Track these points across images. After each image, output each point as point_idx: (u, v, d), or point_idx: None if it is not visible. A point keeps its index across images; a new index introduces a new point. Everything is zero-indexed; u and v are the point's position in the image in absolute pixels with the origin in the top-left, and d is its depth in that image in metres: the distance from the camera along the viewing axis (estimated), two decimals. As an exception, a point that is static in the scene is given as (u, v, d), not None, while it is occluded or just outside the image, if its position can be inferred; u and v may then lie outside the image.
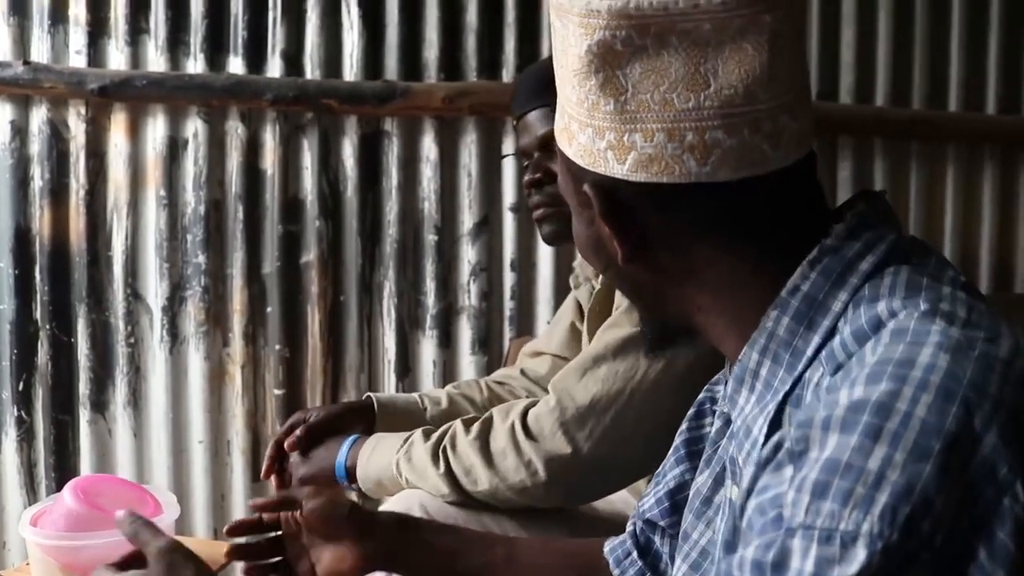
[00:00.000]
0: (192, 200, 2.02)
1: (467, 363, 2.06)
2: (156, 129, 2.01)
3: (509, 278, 2.05)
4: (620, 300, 1.27)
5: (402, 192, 2.03)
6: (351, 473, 1.32)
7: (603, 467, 1.20)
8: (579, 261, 1.52)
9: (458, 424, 1.26)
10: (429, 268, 2.05)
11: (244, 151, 2.01)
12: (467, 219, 2.04)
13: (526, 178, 1.40)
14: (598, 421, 1.17)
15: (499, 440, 1.19)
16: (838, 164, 2.07)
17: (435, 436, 1.26)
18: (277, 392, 2.07)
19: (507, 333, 2.06)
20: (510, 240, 2.04)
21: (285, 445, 1.40)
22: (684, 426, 0.92)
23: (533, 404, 1.23)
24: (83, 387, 2.05)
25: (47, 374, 2.04)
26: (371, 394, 1.53)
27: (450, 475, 1.21)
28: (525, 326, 2.07)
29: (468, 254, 2.04)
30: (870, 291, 0.65)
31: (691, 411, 0.92)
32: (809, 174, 0.70)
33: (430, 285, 2.05)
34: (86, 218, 2.01)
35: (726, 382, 0.74)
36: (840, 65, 2.15)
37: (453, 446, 1.23)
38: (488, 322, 2.06)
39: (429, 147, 2.02)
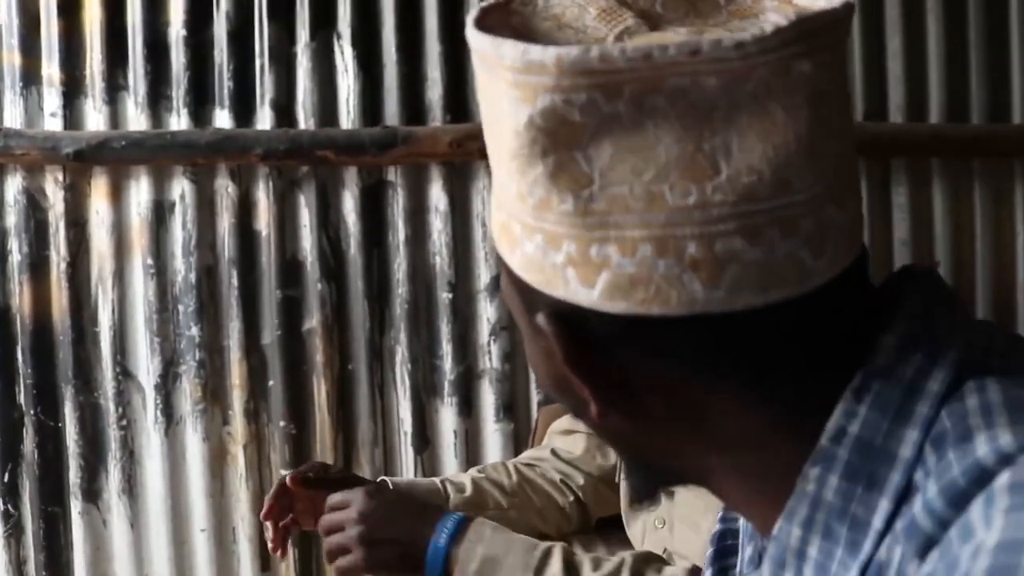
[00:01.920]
0: (182, 267, 1.85)
1: (492, 431, 1.87)
2: (140, 192, 1.85)
3: (532, 336, 1.85)
4: None
5: (411, 247, 1.85)
6: (448, 560, 1.01)
7: None
8: None
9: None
10: (444, 329, 1.86)
11: (236, 211, 1.84)
12: (483, 273, 1.85)
13: None
14: None
15: None
16: (892, 190, 1.85)
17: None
18: (284, 472, 1.88)
19: (534, 396, 1.87)
20: (531, 294, 1.84)
21: (288, 479, 1.20)
22: (710, 571, 0.71)
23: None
24: (73, 475, 1.88)
25: (34, 463, 1.88)
26: (386, 478, 1.35)
27: None
28: (552, 388, 1.87)
29: (487, 311, 1.86)
30: (953, 423, 0.45)
31: (712, 551, 0.69)
32: (859, 281, 0.49)
33: (446, 348, 1.86)
34: (69, 292, 1.85)
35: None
36: (888, 79, 1.94)
37: None
38: (513, 386, 1.87)
39: (438, 196, 1.84)
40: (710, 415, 0.49)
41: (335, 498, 1.07)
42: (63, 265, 1.84)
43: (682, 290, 0.45)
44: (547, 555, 1.03)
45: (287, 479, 1.21)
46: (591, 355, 0.49)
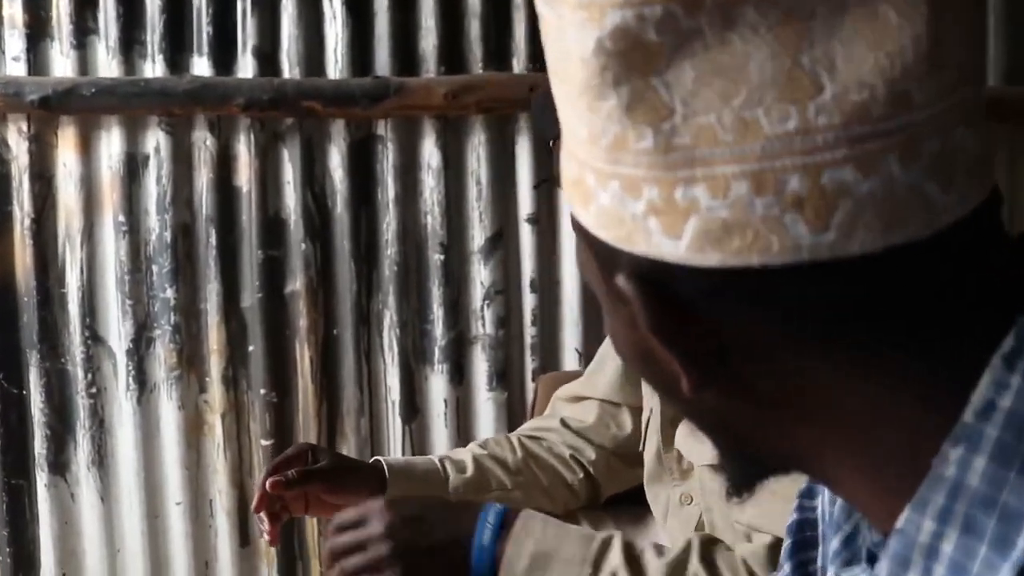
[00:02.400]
0: (156, 225, 1.73)
1: (484, 400, 1.78)
2: (111, 144, 1.72)
3: (529, 300, 1.76)
4: None
5: (401, 206, 1.74)
6: (497, 560, 0.91)
7: None
8: None
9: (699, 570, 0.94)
10: (436, 293, 1.76)
11: (215, 166, 1.73)
12: (478, 234, 1.75)
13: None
14: None
15: None
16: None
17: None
18: (265, 443, 1.78)
19: (528, 364, 1.77)
20: (529, 257, 1.75)
21: (267, 484, 1.11)
22: (788, 566, 0.63)
23: None
24: (39, 446, 1.77)
25: (-3, 433, 1.76)
26: (380, 458, 1.25)
27: None
28: (549, 355, 1.78)
29: (480, 274, 1.76)
30: None
31: (790, 543, 0.62)
32: (993, 224, 0.41)
33: (437, 312, 1.76)
34: (34, 251, 1.73)
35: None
36: None
37: None
38: (507, 353, 1.77)
39: (430, 152, 1.73)
40: (823, 386, 0.41)
41: (345, 517, 0.94)
42: (27, 222, 1.72)
43: (784, 234, 0.38)
44: (605, 546, 0.94)
45: (267, 485, 1.11)
46: (681, 319, 0.41)
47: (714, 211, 0.38)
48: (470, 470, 1.28)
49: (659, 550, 0.94)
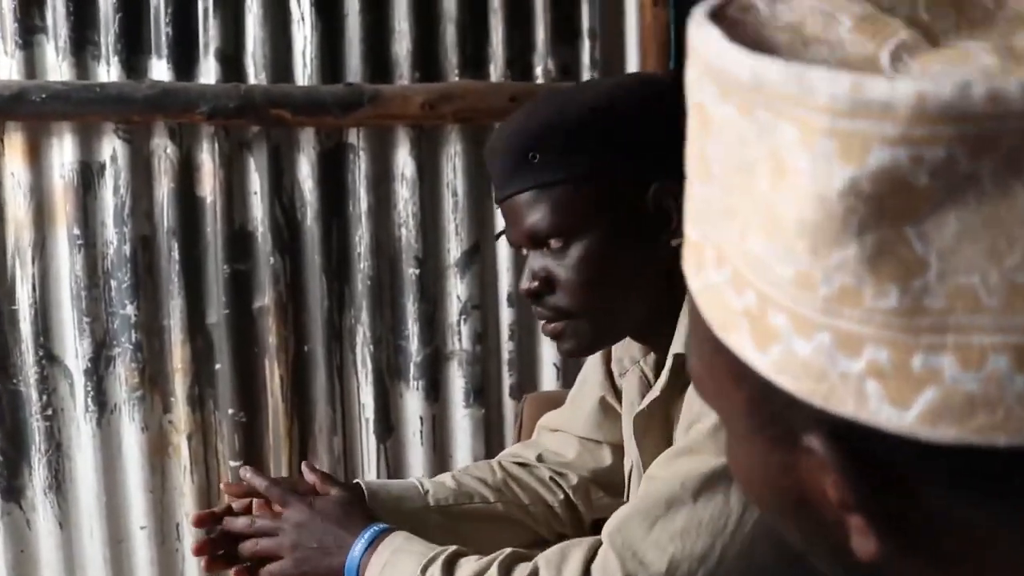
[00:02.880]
0: (114, 238, 1.64)
1: (461, 417, 1.74)
2: (63, 153, 1.62)
3: (507, 315, 1.72)
4: (694, 408, 0.96)
5: (374, 218, 1.67)
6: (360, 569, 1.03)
7: None
8: (623, 346, 1.19)
9: (493, 572, 0.95)
10: (410, 308, 1.70)
11: (176, 175, 1.64)
12: (454, 247, 1.70)
13: (521, 286, 1.07)
14: None
15: None
16: None
17: None
18: (233, 464, 1.72)
19: (507, 379, 1.74)
20: (505, 270, 1.70)
21: (234, 505, 1.13)
22: None
23: (591, 556, 0.93)
24: (-9, 472, 1.68)
25: (-55, 459, 1.67)
26: (359, 480, 1.22)
27: None
28: (528, 371, 1.75)
29: (456, 289, 1.71)
30: None
31: None
32: None
33: (412, 328, 1.71)
34: (-19, 266, 1.62)
35: None
36: None
37: None
38: (484, 368, 1.73)
39: (405, 162, 1.67)
40: (1010, 549, 0.38)
41: (273, 496, 1.08)
42: (-27, 235, 1.62)
43: None
44: (435, 556, 1.00)
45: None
46: (880, 485, 0.37)
47: (961, 384, 0.33)
48: (450, 483, 1.25)
49: (477, 560, 0.98)
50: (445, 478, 1.30)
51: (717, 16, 0.40)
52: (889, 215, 0.33)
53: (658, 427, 1.09)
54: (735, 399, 0.42)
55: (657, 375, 1.15)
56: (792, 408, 0.37)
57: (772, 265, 0.36)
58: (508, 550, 1.00)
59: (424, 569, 0.99)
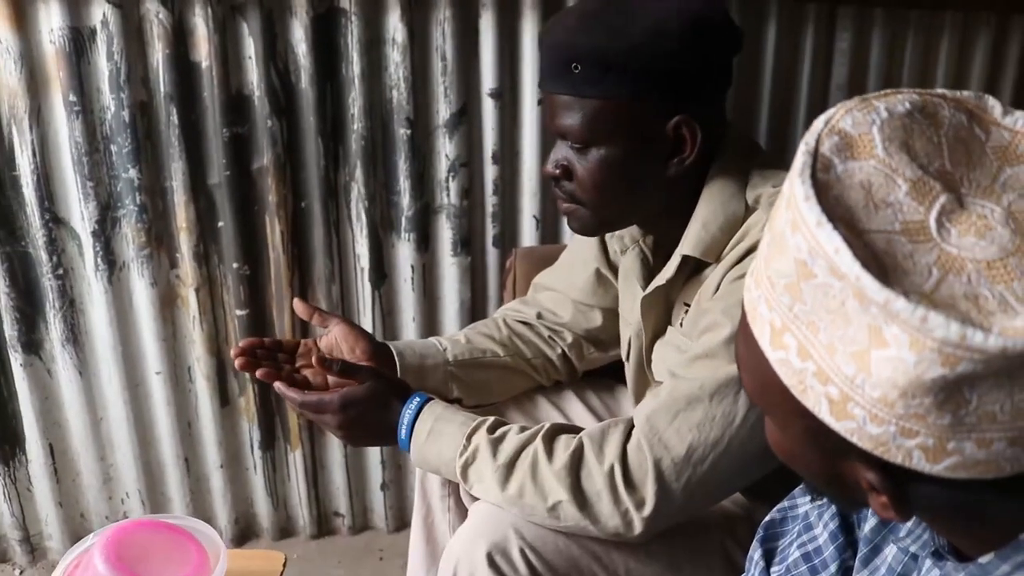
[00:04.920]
0: (111, 104, 1.66)
1: (448, 265, 1.90)
2: (50, 18, 1.60)
3: (491, 172, 1.84)
4: (710, 316, 1.15)
5: (366, 81, 1.73)
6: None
7: (695, 509, 1.15)
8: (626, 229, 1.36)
9: (539, 447, 1.14)
10: (402, 165, 1.80)
11: (170, 41, 1.64)
12: (443, 109, 1.78)
13: (545, 168, 1.23)
14: (695, 471, 1.10)
15: (596, 482, 1.10)
16: (836, 35, 1.89)
17: (505, 454, 1.15)
18: (240, 312, 1.85)
19: (490, 231, 1.88)
20: (491, 130, 1.81)
21: (317, 360, 1.23)
22: (757, 554, 0.92)
23: (627, 438, 1.13)
24: (8, 328, 1.77)
25: (-38, 318, 1.74)
26: (389, 343, 1.39)
27: (525, 501, 1.13)
28: (510, 223, 1.90)
29: (445, 148, 1.81)
30: None
31: (761, 535, 0.92)
32: None
33: (404, 184, 1.82)
34: (-22, 134, 1.63)
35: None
36: None
37: (534, 476, 1.13)
38: (470, 221, 1.87)
39: (395, 27, 1.71)
40: (976, 510, 0.63)
41: (308, 403, 1.21)
42: (-34, 103, 1.61)
43: (1015, 463, 0.56)
44: (479, 424, 1.18)
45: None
46: (903, 483, 0.60)
47: (974, 456, 0.56)
48: (463, 340, 1.45)
49: (520, 429, 1.17)
50: (459, 336, 1.48)
51: (813, 179, 0.56)
52: (957, 384, 0.53)
53: (660, 306, 1.29)
54: (793, 423, 0.63)
55: (656, 255, 1.33)
56: (847, 443, 0.59)
57: (860, 384, 0.56)
58: (549, 423, 1.19)
59: (469, 435, 1.18)
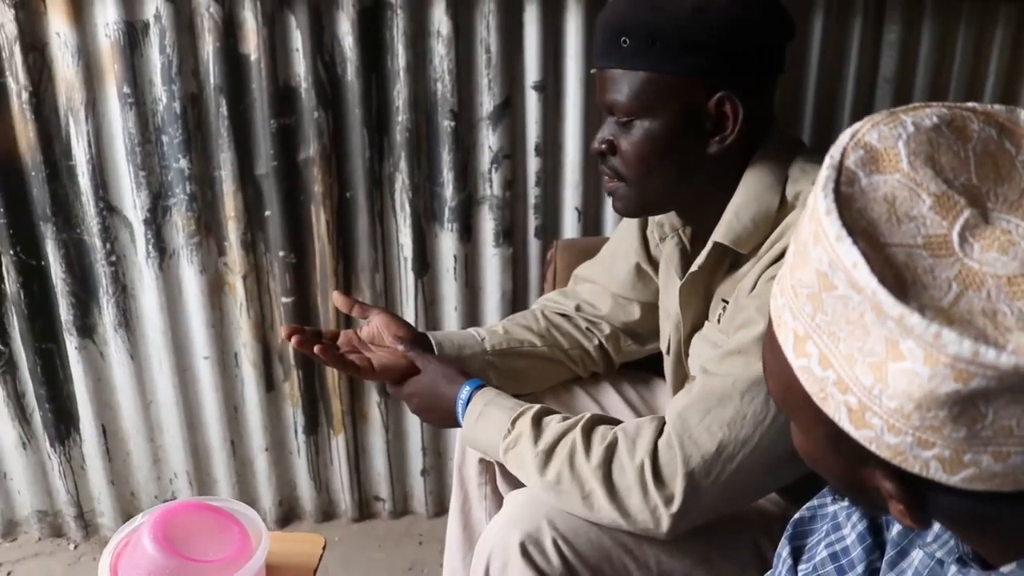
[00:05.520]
0: (163, 96, 1.70)
1: (490, 256, 1.91)
2: (106, 12, 1.64)
3: (534, 164, 1.85)
4: (745, 312, 1.15)
5: (411, 73, 1.75)
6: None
7: (725, 508, 1.16)
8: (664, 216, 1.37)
9: (577, 437, 1.17)
10: (446, 157, 1.82)
11: (220, 34, 1.68)
12: (486, 101, 1.80)
13: (592, 145, 1.25)
14: (724, 469, 1.10)
15: (627, 476, 1.12)
16: (885, 27, 1.86)
17: (545, 441, 1.18)
18: (285, 300, 1.89)
19: (532, 222, 1.90)
20: (534, 122, 1.82)
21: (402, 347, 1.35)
22: (786, 551, 0.92)
23: (659, 434, 1.15)
24: (64, 312, 1.83)
25: (20, 302, 1.80)
26: (428, 332, 1.42)
27: (561, 489, 1.15)
28: (552, 214, 1.91)
29: (489, 140, 1.82)
30: None
31: (790, 533, 0.92)
32: None
33: (447, 175, 1.84)
34: (35, 125, 1.69)
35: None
36: None
37: (571, 465, 1.15)
38: (512, 212, 1.89)
39: (440, 20, 1.73)
40: (994, 521, 0.63)
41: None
42: (25, 95, 1.66)
43: None
44: (524, 411, 1.22)
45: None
46: (920, 493, 0.61)
47: (990, 468, 0.56)
48: (502, 331, 1.47)
49: (563, 419, 1.21)
50: (497, 327, 1.50)
51: (836, 195, 0.57)
52: (972, 400, 0.53)
53: (699, 295, 1.29)
54: (814, 428, 0.64)
55: (694, 245, 1.34)
56: (867, 451, 0.60)
57: (878, 395, 0.57)
58: (590, 414, 1.21)
59: (514, 420, 1.22)
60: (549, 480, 1.16)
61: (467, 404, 1.27)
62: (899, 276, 0.54)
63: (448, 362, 1.34)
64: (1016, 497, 0.57)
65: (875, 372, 0.55)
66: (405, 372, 1.33)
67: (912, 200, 0.56)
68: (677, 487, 1.10)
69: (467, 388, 1.28)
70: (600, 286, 1.52)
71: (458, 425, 1.29)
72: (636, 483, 1.11)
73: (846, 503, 0.89)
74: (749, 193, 1.18)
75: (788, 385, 0.63)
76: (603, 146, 1.23)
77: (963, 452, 0.56)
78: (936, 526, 0.77)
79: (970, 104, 0.62)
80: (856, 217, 0.56)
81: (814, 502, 0.95)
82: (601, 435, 1.16)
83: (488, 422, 1.24)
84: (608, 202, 1.91)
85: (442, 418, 1.32)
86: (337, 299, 1.39)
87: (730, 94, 1.15)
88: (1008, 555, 0.66)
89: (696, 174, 1.22)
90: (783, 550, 0.96)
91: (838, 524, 0.91)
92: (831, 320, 0.57)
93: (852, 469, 0.64)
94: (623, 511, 1.12)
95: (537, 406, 1.24)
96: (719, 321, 1.25)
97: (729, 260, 1.24)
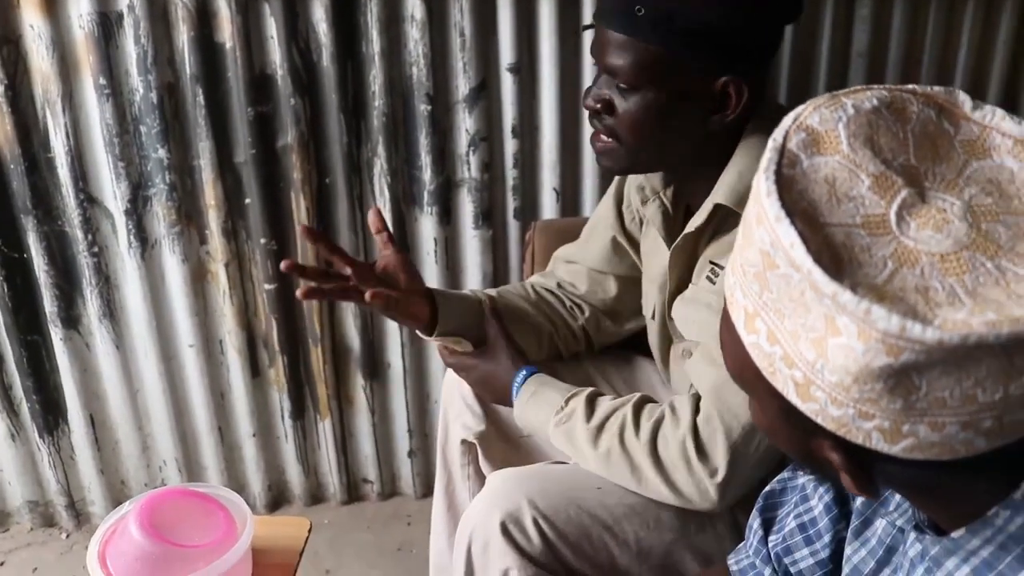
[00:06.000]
0: (140, 86, 1.71)
1: (470, 238, 1.93)
2: (79, 4, 1.64)
3: (511, 145, 1.86)
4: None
5: (386, 58, 1.76)
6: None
7: (762, 475, 1.19)
8: (646, 176, 1.38)
9: (628, 414, 1.21)
10: (423, 141, 1.83)
11: (195, 23, 1.68)
12: (462, 84, 1.81)
13: (586, 101, 1.24)
14: (763, 437, 1.14)
15: (671, 451, 1.17)
16: (856, 2, 1.87)
17: (597, 417, 1.23)
18: (268, 287, 1.91)
19: (511, 204, 1.91)
20: (510, 104, 1.83)
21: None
22: (756, 522, 0.97)
23: (696, 410, 1.18)
24: (48, 304, 1.84)
25: (4, 295, 1.82)
26: (431, 288, 1.42)
27: (612, 463, 1.21)
28: (530, 196, 1.92)
29: (466, 123, 1.83)
30: None
31: (761, 504, 0.97)
32: None
33: (425, 159, 1.85)
34: (12, 117, 1.69)
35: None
36: None
37: (622, 441, 1.20)
38: (491, 194, 1.90)
39: (414, 4, 1.73)
40: (940, 488, 0.67)
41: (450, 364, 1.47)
42: (1, 88, 1.66)
43: (969, 447, 0.59)
44: (577, 393, 1.28)
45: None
46: (864, 463, 0.64)
47: (928, 438, 0.59)
48: (496, 296, 1.49)
49: (614, 397, 1.27)
50: (491, 291, 1.51)
51: (777, 176, 0.59)
52: (905, 372, 0.56)
53: (687, 256, 1.31)
54: (769, 401, 0.66)
55: (676, 207, 1.35)
56: (815, 430, 0.63)
57: (820, 369, 0.59)
58: (639, 394, 1.25)
59: (568, 399, 1.27)
60: (600, 453, 1.21)
61: (521, 385, 1.34)
62: (836, 255, 0.56)
63: (512, 343, 1.40)
64: (955, 465, 0.60)
65: (816, 348, 0.57)
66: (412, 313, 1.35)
67: (851, 181, 0.58)
68: (720, 459, 1.14)
69: (524, 371, 1.36)
70: (578, 264, 1.54)
71: (509, 403, 1.37)
72: (680, 458, 1.16)
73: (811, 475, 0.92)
74: (751, 157, 1.20)
75: (742, 361, 0.65)
76: (598, 105, 1.22)
77: (901, 423, 0.58)
78: (897, 496, 0.79)
79: (911, 86, 0.63)
80: (796, 198, 0.58)
81: (784, 475, 0.98)
82: (649, 412, 1.21)
83: (540, 401, 1.31)
84: (586, 182, 1.92)
85: (495, 394, 1.41)
86: (372, 215, 1.35)
87: (736, 78, 1.16)
88: (958, 520, 0.68)
89: (691, 145, 1.24)
90: (754, 521, 0.99)
91: (806, 496, 0.93)
92: (776, 298, 0.59)
93: (804, 441, 0.67)
94: (671, 485, 1.17)
95: (590, 388, 1.30)
96: (711, 281, 1.26)
97: (717, 222, 1.25)
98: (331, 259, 1.33)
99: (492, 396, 1.42)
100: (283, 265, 1.27)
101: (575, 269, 1.54)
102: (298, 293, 1.27)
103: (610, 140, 1.25)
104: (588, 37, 1.75)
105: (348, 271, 1.31)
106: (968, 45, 1.91)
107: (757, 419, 0.73)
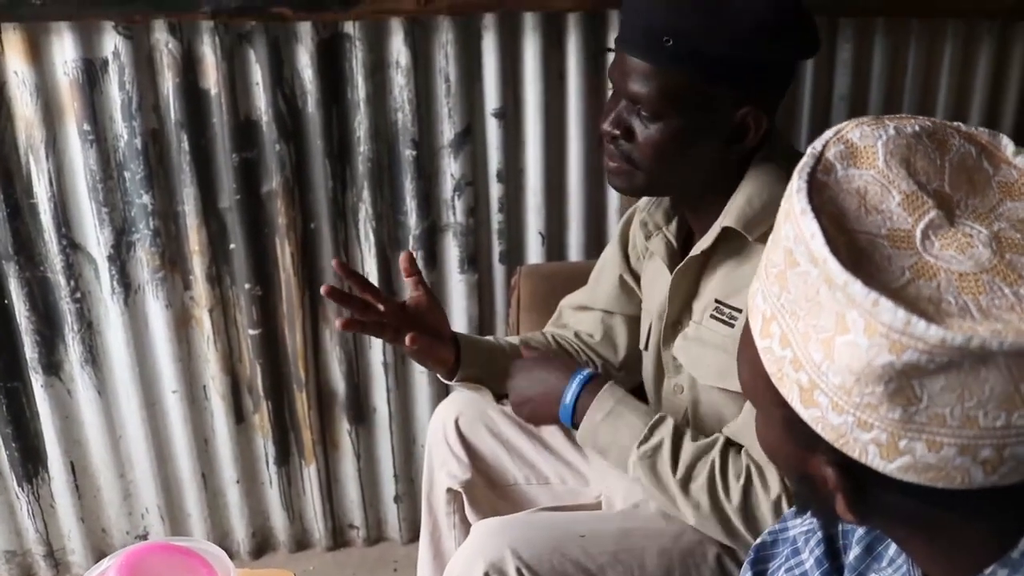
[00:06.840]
0: (124, 132, 1.71)
1: (456, 282, 1.93)
2: (64, 51, 1.65)
3: (496, 190, 1.87)
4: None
5: (371, 104, 1.77)
6: (576, 414, 1.27)
7: None
8: (647, 204, 1.39)
9: (716, 464, 1.19)
10: (408, 186, 1.84)
11: (180, 69, 1.69)
12: (447, 129, 1.81)
13: (604, 125, 1.24)
14: None
15: (762, 512, 1.17)
16: (838, 45, 1.89)
17: (684, 463, 1.20)
18: (252, 332, 1.89)
19: (496, 248, 1.91)
20: (495, 149, 1.84)
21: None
22: (748, 572, 0.95)
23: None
24: (29, 351, 1.83)
25: (-16, 342, 1.80)
26: (456, 332, 1.41)
27: (700, 515, 1.19)
28: (516, 240, 1.92)
29: (451, 167, 1.84)
30: None
31: (752, 558, 0.94)
32: None
33: (410, 204, 1.85)
34: (-4, 163, 1.69)
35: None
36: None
37: (713, 498, 1.19)
38: (476, 239, 1.90)
39: (399, 50, 1.74)
40: (929, 524, 0.66)
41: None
42: (-16, 134, 1.66)
43: (965, 476, 0.58)
44: (661, 420, 1.23)
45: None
46: (860, 486, 0.63)
47: (924, 458, 0.58)
48: (517, 343, 1.47)
49: (695, 436, 1.23)
50: (513, 338, 1.50)
51: (810, 179, 0.60)
52: (906, 376, 0.55)
53: (687, 284, 1.30)
54: (773, 411, 0.66)
55: (680, 241, 1.35)
56: (815, 435, 0.62)
57: (824, 371, 0.59)
58: (722, 437, 1.22)
59: (651, 429, 1.22)
60: (690, 504, 1.19)
61: (578, 394, 1.27)
62: (856, 256, 0.56)
63: (548, 359, 1.36)
64: (955, 499, 0.59)
65: (824, 348, 0.57)
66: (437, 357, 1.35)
67: (883, 195, 0.59)
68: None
69: (581, 375, 1.28)
70: (589, 309, 1.53)
71: (554, 420, 1.30)
72: (772, 517, 1.15)
73: (806, 526, 0.91)
74: (759, 182, 1.21)
75: (755, 369, 0.65)
76: (617, 131, 1.22)
77: (899, 437, 0.57)
78: (891, 549, 0.79)
79: (955, 123, 0.65)
80: (826, 202, 0.59)
81: (775, 526, 0.97)
82: (735, 469, 1.19)
83: (619, 422, 1.24)
84: (572, 226, 1.93)
85: (541, 407, 1.31)
86: (403, 258, 1.36)
87: (755, 109, 1.18)
88: (959, 574, 0.67)
89: (705, 172, 1.25)
90: (746, 574, 0.98)
91: (797, 549, 0.92)
92: (793, 299, 0.59)
93: (803, 458, 0.66)
94: (750, 533, 1.17)
95: (669, 418, 1.25)
96: (726, 325, 1.25)
97: (723, 248, 1.25)
98: (363, 296, 1.33)
99: (539, 407, 1.32)
100: (323, 289, 1.28)
101: (588, 316, 1.54)
102: (338, 324, 1.28)
103: (625, 164, 1.25)
104: (573, 80, 1.80)
105: (380, 307, 1.31)
106: (947, 87, 1.93)
107: (760, 435, 0.72)
